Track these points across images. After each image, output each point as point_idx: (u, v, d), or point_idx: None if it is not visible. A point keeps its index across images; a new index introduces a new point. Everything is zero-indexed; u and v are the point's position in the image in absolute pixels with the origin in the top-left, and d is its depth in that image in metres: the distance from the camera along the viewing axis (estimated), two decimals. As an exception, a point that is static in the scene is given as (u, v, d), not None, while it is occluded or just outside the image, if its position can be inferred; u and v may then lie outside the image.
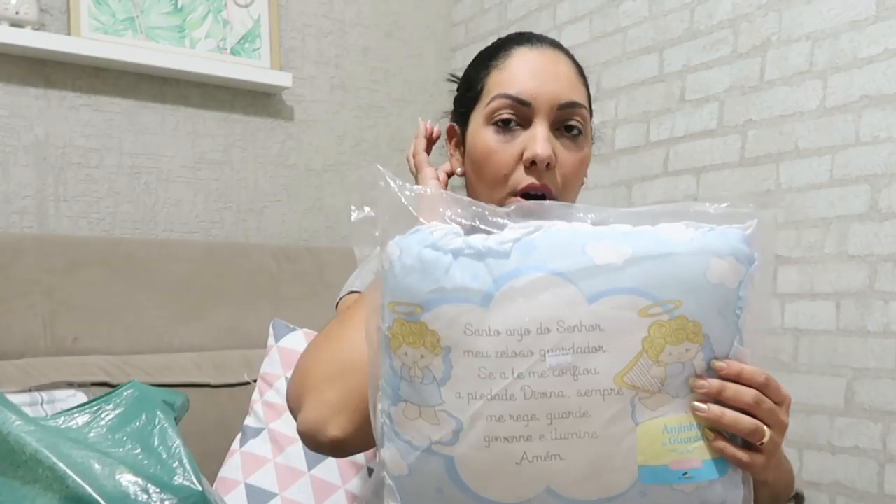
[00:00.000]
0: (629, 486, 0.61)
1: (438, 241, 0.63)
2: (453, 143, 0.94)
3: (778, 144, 1.41)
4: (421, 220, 0.65)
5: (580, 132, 0.86)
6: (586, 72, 0.92)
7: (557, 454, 0.60)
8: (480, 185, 0.88)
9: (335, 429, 0.73)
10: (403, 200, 0.65)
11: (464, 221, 0.65)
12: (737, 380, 0.62)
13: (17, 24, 1.50)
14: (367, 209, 0.67)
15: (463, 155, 0.92)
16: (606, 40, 1.72)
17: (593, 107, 0.94)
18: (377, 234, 0.66)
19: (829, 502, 1.32)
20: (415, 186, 0.66)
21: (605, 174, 1.73)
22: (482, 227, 0.65)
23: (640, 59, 1.66)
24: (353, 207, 0.67)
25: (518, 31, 0.94)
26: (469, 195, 0.92)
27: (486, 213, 0.65)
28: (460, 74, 0.96)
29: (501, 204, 0.85)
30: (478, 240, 0.62)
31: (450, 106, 0.98)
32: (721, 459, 0.62)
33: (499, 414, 0.60)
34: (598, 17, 1.75)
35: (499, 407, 0.60)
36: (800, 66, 1.38)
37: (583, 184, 0.92)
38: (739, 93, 1.47)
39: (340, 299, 0.94)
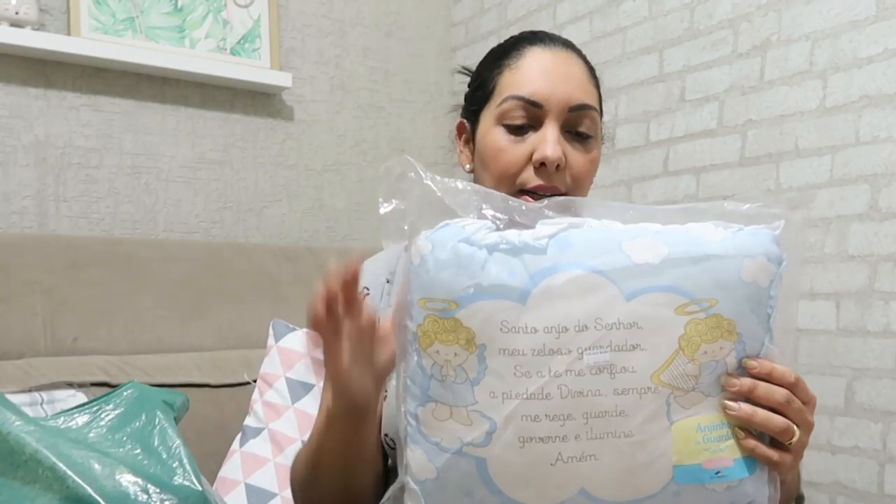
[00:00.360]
0: (663, 486, 0.60)
1: (472, 236, 0.61)
2: (462, 139, 0.94)
3: (778, 144, 1.41)
4: (459, 213, 0.63)
5: (590, 134, 0.86)
6: None
7: (593, 454, 0.60)
8: (487, 181, 0.88)
9: None
10: (438, 193, 0.64)
11: (499, 215, 0.64)
12: (768, 379, 0.62)
13: (17, 24, 1.50)
14: (395, 201, 0.64)
15: (472, 152, 0.92)
16: (606, 40, 1.72)
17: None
18: (406, 227, 0.64)
19: (829, 502, 1.32)
20: (446, 179, 0.65)
21: (605, 174, 1.73)
22: (518, 220, 0.64)
23: (640, 59, 1.66)
24: (381, 200, 0.64)
25: (519, 30, 0.94)
26: None
27: (522, 207, 0.64)
28: (459, 75, 0.96)
29: None
30: (513, 235, 0.61)
31: (454, 103, 0.98)
32: (750, 458, 0.62)
33: (534, 413, 0.59)
34: (598, 17, 1.75)
35: (534, 406, 0.59)
36: (800, 66, 1.38)
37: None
38: (739, 93, 1.47)
39: None
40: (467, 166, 0.93)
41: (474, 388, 0.60)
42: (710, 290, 0.59)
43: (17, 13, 1.49)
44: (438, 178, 0.64)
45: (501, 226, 0.63)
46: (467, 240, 0.61)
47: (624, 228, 0.62)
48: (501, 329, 0.59)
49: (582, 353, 0.59)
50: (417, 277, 0.62)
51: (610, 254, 0.60)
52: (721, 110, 1.51)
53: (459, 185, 0.65)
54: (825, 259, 1.34)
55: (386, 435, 0.83)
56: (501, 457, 0.60)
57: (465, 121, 0.94)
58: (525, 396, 0.59)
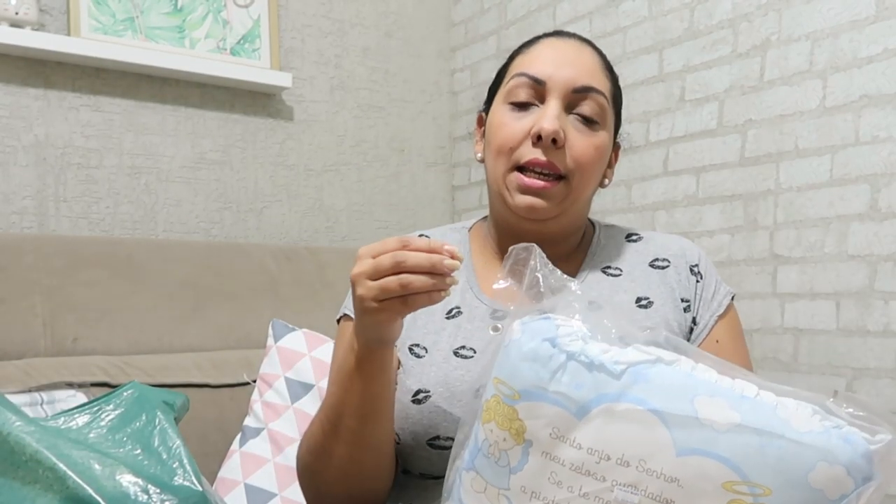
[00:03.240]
0: None
1: (559, 338, 0.63)
2: (481, 131, 0.95)
3: (778, 144, 1.41)
4: (547, 314, 0.66)
5: (596, 120, 0.86)
6: None
7: None
8: (490, 159, 0.88)
9: None
10: (542, 289, 0.67)
11: (588, 325, 0.65)
12: None
13: (16, 24, 1.50)
14: (510, 282, 0.68)
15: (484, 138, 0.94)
16: (606, 40, 1.72)
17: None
18: (512, 308, 0.68)
19: (829, 502, 1.32)
20: (564, 276, 0.67)
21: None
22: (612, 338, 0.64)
23: (640, 59, 1.66)
24: (499, 276, 0.69)
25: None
26: (487, 179, 0.92)
27: (612, 330, 0.64)
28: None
29: (504, 178, 0.85)
30: (595, 350, 0.62)
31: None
32: None
33: None
34: (598, 17, 1.75)
35: None
36: (800, 65, 1.38)
37: (602, 184, 0.93)
38: (739, 93, 1.47)
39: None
40: (479, 155, 0.94)
41: (511, 476, 0.63)
42: (768, 478, 0.55)
43: (17, 13, 1.49)
44: (555, 273, 0.68)
45: (599, 336, 0.64)
46: (552, 340, 0.63)
47: (709, 382, 0.60)
48: (551, 434, 0.61)
49: (614, 486, 0.58)
50: (501, 357, 0.65)
51: (679, 401, 0.58)
52: (721, 110, 1.51)
53: (573, 286, 0.67)
54: (825, 259, 1.34)
55: None
56: None
57: (483, 113, 0.95)
58: (549, 502, 0.61)
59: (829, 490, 0.56)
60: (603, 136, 0.87)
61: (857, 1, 1.30)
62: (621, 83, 0.94)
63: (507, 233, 0.91)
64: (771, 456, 0.56)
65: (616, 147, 0.94)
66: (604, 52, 0.93)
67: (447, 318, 0.88)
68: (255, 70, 1.79)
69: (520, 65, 0.88)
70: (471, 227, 0.98)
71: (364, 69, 2.03)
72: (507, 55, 0.95)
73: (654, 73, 1.63)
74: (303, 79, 1.92)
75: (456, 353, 0.85)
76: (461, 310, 0.88)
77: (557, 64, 0.85)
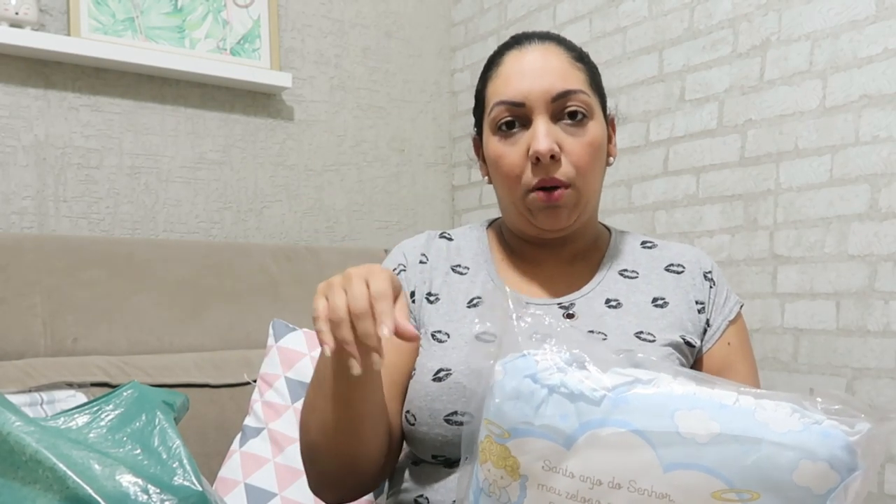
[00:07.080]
0: None
1: (539, 374, 0.64)
2: (481, 154, 0.98)
3: (778, 144, 1.41)
4: (525, 351, 0.67)
5: (584, 115, 0.87)
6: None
7: None
8: (500, 189, 0.92)
9: (326, 499, 0.88)
10: (515, 330, 0.68)
11: (566, 356, 0.66)
12: None
13: (16, 24, 1.50)
14: (489, 324, 0.71)
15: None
16: (606, 40, 1.72)
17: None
18: (492, 349, 0.70)
19: (829, 502, 1.32)
20: (539, 313, 0.69)
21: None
22: (586, 366, 0.65)
23: (639, 59, 1.66)
24: (476, 320, 0.71)
25: (519, 30, 0.96)
26: (500, 201, 0.95)
27: (587, 359, 0.65)
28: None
29: (522, 201, 0.88)
30: (574, 380, 0.63)
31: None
32: None
33: None
34: (598, 17, 1.75)
35: None
36: (800, 65, 1.38)
37: (608, 163, 0.95)
38: (739, 92, 1.47)
39: None
40: (486, 178, 0.97)
41: None
42: (755, 483, 0.56)
43: (17, 13, 1.49)
44: (530, 312, 0.69)
45: (574, 365, 0.65)
46: (533, 376, 0.65)
47: (687, 395, 0.61)
48: (543, 467, 0.63)
49: None
50: (489, 399, 0.67)
51: (659, 419, 0.60)
52: (721, 110, 1.51)
53: (547, 321, 0.68)
54: (825, 259, 1.34)
55: (408, 411, 0.87)
56: None
57: (476, 136, 0.98)
58: None
59: (816, 486, 0.56)
60: (594, 128, 0.88)
61: (857, 1, 1.30)
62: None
63: (525, 237, 0.95)
64: (753, 461, 0.57)
65: (610, 120, 0.95)
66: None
67: (468, 306, 0.91)
68: (255, 70, 1.79)
69: (494, 92, 0.89)
70: (489, 225, 1.02)
71: (364, 69, 2.03)
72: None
73: (654, 73, 1.63)
74: (303, 79, 1.92)
75: (478, 338, 0.87)
76: (483, 299, 0.91)
77: (529, 78, 0.86)
